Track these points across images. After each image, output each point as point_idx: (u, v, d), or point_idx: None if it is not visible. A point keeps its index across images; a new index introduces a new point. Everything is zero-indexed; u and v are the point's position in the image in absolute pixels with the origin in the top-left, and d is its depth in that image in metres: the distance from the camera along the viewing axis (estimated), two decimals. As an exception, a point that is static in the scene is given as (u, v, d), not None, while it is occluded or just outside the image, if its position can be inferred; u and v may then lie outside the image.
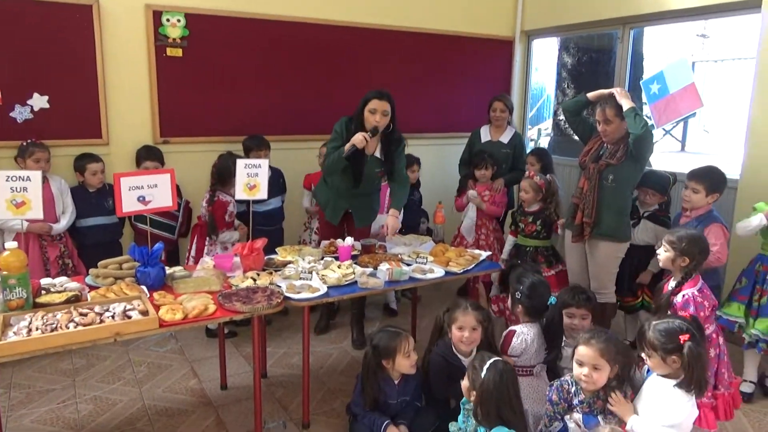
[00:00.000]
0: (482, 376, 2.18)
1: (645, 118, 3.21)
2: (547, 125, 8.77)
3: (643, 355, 2.23)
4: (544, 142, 7.88)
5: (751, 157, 3.66)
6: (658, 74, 3.86)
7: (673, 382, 2.13)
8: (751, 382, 3.18)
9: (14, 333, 2.07)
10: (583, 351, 2.19)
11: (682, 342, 2.07)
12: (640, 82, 4.15)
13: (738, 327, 3.08)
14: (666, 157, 10.59)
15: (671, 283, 2.67)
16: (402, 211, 3.57)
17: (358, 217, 3.60)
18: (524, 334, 2.64)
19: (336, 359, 3.58)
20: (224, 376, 3.22)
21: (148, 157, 3.87)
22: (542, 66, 6.15)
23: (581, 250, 3.46)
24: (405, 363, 2.54)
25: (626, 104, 3.17)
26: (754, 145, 3.65)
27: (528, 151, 4.69)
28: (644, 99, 3.84)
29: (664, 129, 12.62)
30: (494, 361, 2.24)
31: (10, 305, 2.22)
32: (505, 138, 4.50)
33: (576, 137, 3.70)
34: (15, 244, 2.25)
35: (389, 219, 3.46)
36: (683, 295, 2.55)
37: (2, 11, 3.44)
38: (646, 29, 4.76)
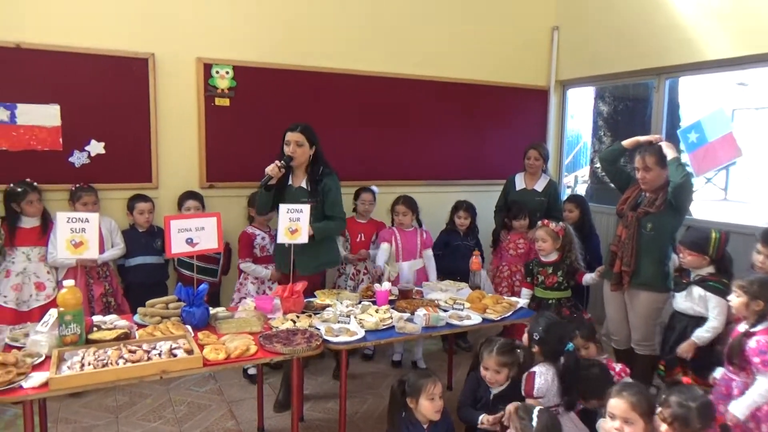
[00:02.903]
0: (533, 426, 2.17)
1: (687, 168, 3.21)
2: (584, 172, 8.76)
3: None
4: (581, 189, 7.88)
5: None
6: (695, 123, 3.89)
7: None
8: None
9: (68, 367, 2.17)
10: (614, 403, 2.14)
11: None
12: (678, 131, 4.17)
13: None
14: (708, 205, 10.40)
15: (741, 326, 2.57)
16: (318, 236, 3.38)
17: (300, 264, 3.28)
18: (544, 374, 2.60)
19: (372, 405, 3.57)
20: (261, 419, 3.25)
21: (190, 196, 4.02)
22: (578, 113, 6.21)
23: (620, 299, 3.42)
24: (428, 405, 2.49)
25: (671, 153, 3.21)
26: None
27: (564, 198, 4.72)
28: (682, 147, 3.85)
29: (705, 177, 12.44)
30: (540, 409, 2.23)
31: (64, 340, 2.33)
32: (539, 186, 4.53)
33: (613, 185, 3.71)
34: (72, 282, 2.37)
35: None
36: (757, 341, 2.43)
37: (67, 63, 3.71)
38: (683, 78, 4.78)
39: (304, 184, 3.46)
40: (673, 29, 4.34)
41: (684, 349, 3.03)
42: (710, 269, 3.06)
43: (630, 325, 3.42)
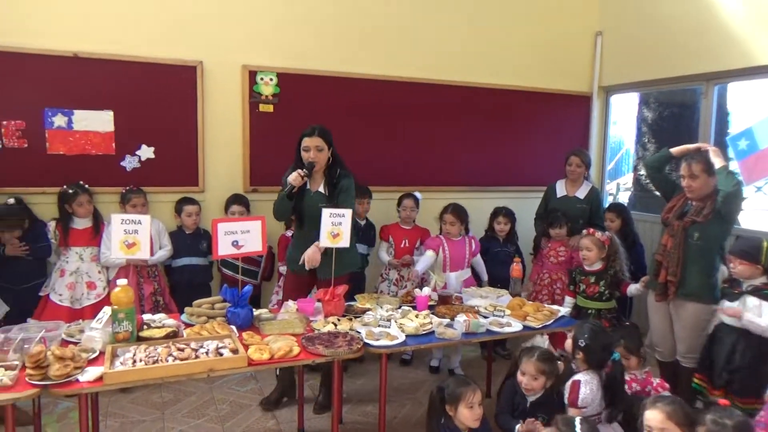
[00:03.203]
0: None
1: (737, 177, 3.13)
2: (627, 180, 8.56)
3: None
4: (624, 197, 7.71)
5: None
6: (746, 130, 3.79)
7: None
8: None
9: (121, 363, 2.26)
10: (649, 415, 2.13)
11: None
12: (727, 138, 4.06)
13: None
14: (759, 215, 10.06)
15: None
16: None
17: (319, 268, 3.23)
18: (590, 383, 2.56)
19: (410, 410, 3.59)
20: (302, 420, 3.30)
21: (236, 201, 4.13)
22: (621, 119, 6.09)
23: (665, 309, 3.35)
24: (467, 414, 2.48)
25: (719, 162, 3.14)
26: None
27: (606, 206, 4.65)
28: (731, 155, 3.75)
29: (756, 186, 12.05)
30: (581, 419, 2.21)
31: (117, 337, 2.42)
32: (581, 193, 4.47)
33: (657, 193, 3.64)
34: (125, 281, 2.47)
35: (309, 249, 3.15)
36: None
37: (121, 71, 3.86)
38: (732, 83, 4.64)
39: (321, 188, 3.33)
40: (722, 33, 4.24)
41: (731, 311, 2.97)
42: (763, 279, 2.99)
43: (675, 337, 3.34)
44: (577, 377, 2.60)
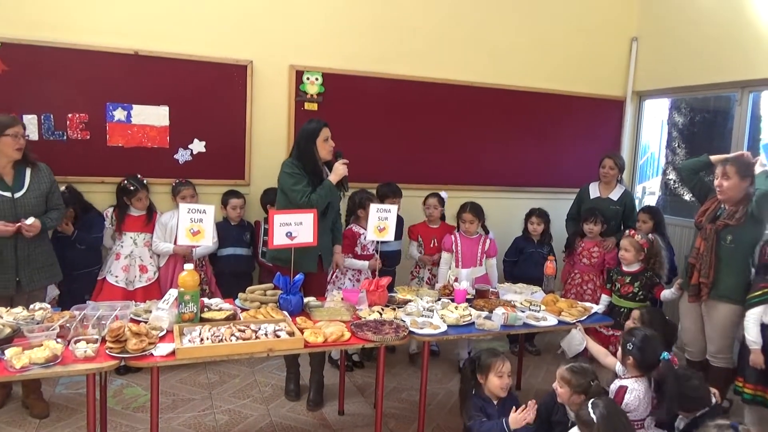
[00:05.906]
0: (594, 420, 2.22)
1: None
2: (651, 184, 8.57)
3: None
4: (648, 201, 7.75)
5: None
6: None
7: None
8: None
9: (189, 341, 2.45)
10: None
11: None
12: (761, 145, 4.13)
13: None
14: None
15: None
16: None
17: (326, 259, 3.55)
18: (636, 390, 2.63)
19: (444, 398, 3.75)
20: (342, 403, 3.48)
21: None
22: (647, 123, 6.16)
23: (697, 310, 3.45)
24: (496, 382, 2.63)
25: (759, 168, 3.26)
26: None
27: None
28: (763, 161, 3.82)
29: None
30: (593, 402, 2.27)
31: (183, 317, 2.61)
32: (614, 195, 4.58)
33: (688, 197, 3.72)
34: (191, 266, 2.66)
35: (338, 257, 3.64)
36: None
37: (177, 69, 4.07)
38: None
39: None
40: (758, 41, 4.30)
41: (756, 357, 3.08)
42: None
43: (706, 337, 3.44)
44: (624, 383, 2.66)
